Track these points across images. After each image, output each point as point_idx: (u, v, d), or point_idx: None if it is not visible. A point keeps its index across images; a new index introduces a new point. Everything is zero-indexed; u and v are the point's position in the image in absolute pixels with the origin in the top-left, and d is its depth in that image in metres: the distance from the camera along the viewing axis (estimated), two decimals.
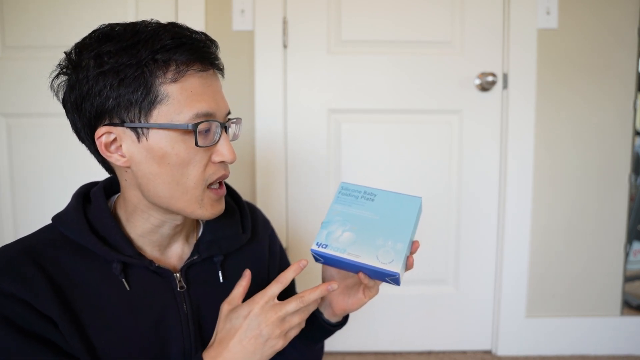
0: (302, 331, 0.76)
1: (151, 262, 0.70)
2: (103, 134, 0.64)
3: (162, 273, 0.71)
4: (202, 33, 0.67)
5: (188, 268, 0.75)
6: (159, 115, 0.63)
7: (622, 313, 1.69)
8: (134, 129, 0.63)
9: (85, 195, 0.73)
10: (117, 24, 0.64)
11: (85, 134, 0.67)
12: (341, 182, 0.77)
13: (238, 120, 0.74)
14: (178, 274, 0.73)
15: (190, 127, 0.63)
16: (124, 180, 0.69)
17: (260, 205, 1.62)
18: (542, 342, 1.69)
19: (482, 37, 1.59)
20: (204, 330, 0.75)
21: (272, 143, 1.61)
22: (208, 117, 0.65)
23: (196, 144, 0.64)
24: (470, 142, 1.64)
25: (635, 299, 1.83)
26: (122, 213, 0.72)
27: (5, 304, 0.60)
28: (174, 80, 0.62)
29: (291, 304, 0.68)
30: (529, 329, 1.68)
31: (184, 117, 0.63)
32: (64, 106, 0.67)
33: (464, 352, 1.72)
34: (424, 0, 1.59)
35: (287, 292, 0.84)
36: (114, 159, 0.66)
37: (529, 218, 1.64)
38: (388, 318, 1.71)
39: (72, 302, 0.64)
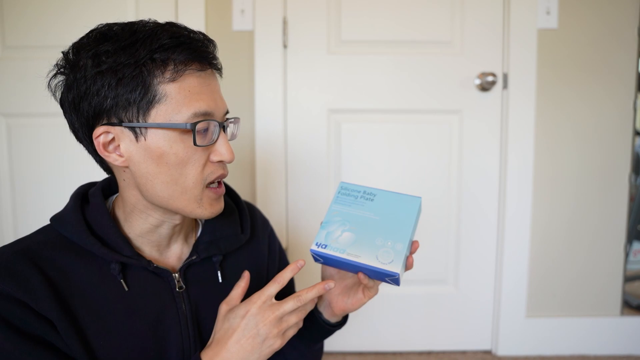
0: (302, 331, 0.76)
1: (150, 262, 0.70)
2: (101, 134, 0.64)
3: (160, 273, 0.71)
4: (201, 33, 0.67)
5: (187, 268, 0.75)
6: (157, 114, 0.62)
7: (622, 313, 1.69)
8: (132, 129, 0.63)
9: (84, 195, 0.73)
10: (115, 24, 0.64)
11: (83, 133, 0.66)
12: (340, 182, 0.77)
13: (236, 120, 0.74)
14: (177, 274, 0.73)
15: (188, 127, 0.63)
16: (122, 180, 0.69)
17: (260, 205, 1.62)
18: (542, 342, 1.69)
19: (482, 37, 1.59)
20: (202, 330, 0.75)
21: (272, 143, 1.61)
22: (206, 116, 0.65)
23: (195, 144, 0.64)
24: (470, 142, 1.63)
25: (635, 299, 1.83)
26: (120, 213, 0.72)
27: (3, 305, 0.60)
28: (172, 80, 0.62)
29: (288, 303, 0.68)
30: (529, 329, 1.68)
31: (182, 116, 0.63)
32: (62, 106, 0.67)
33: (464, 352, 1.72)
34: (424, 0, 1.59)
35: (287, 292, 0.84)
36: (112, 158, 0.66)
37: (529, 218, 1.64)
38: (388, 318, 1.71)
39: (70, 303, 0.64)
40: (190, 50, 0.63)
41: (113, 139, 0.65)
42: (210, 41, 0.68)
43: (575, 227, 1.66)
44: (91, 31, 0.64)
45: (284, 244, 1.63)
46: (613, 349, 1.68)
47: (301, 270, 0.72)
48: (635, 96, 1.61)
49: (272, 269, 0.89)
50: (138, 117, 0.63)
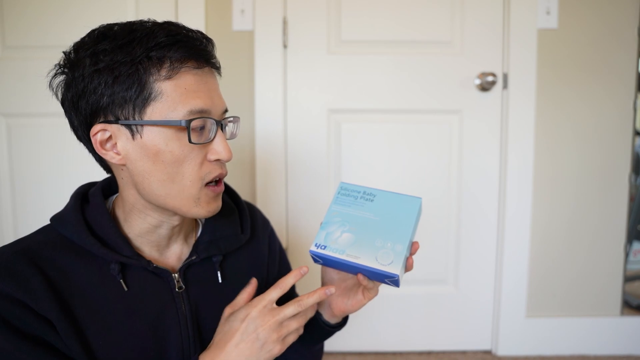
0: (302, 333, 0.76)
1: (149, 262, 0.70)
2: (98, 132, 0.64)
3: (160, 273, 0.71)
4: (198, 31, 0.67)
5: (187, 268, 0.75)
6: (153, 112, 0.63)
7: (622, 313, 1.69)
8: (129, 127, 0.63)
9: (84, 195, 0.73)
10: (116, 24, 0.64)
11: (82, 132, 0.67)
12: (340, 183, 0.76)
13: (236, 119, 0.74)
14: (176, 275, 0.73)
15: (183, 124, 0.63)
16: (121, 178, 0.69)
17: (260, 205, 1.62)
18: (542, 342, 1.68)
19: (482, 37, 1.59)
20: (202, 330, 0.75)
21: (272, 143, 1.61)
22: (202, 114, 0.64)
23: (189, 141, 0.63)
24: (470, 142, 1.63)
25: (635, 299, 1.83)
26: (120, 213, 0.72)
27: (3, 305, 0.60)
28: (168, 78, 0.62)
29: (289, 308, 0.68)
30: (529, 329, 1.68)
31: (178, 114, 0.63)
32: (62, 105, 0.67)
33: (464, 352, 1.72)
34: (424, 0, 1.58)
35: (287, 296, 0.83)
36: (109, 156, 0.66)
37: (529, 218, 1.64)
38: (388, 318, 1.71)
39: (69, 303, 0.64)
40: (187, 48, 0.63)
41: (110, 137, 0.65)
42: (208, 40, 0.68)
43: (575, 227, 1.66)
44: (92, 31, 0.65)
45: (284, 244, 1.63)
46: (613, 349, 1.68)
47: (302, 276, 0.72)
48: (635, 96, 1.61)
49: (272, 269, 0.89)
50: (134, 115, 0.63)
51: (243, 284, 0.79)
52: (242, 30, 1.59)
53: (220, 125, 0.68)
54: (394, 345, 1.72)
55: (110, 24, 0.65)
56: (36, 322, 0.61)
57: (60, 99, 0.67)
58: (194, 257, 0.75)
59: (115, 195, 0.76)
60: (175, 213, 0.69)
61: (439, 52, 1.60)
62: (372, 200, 0.73)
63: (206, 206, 0.69)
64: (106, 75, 0.61)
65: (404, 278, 0.70)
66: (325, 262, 0.72)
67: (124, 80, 0.61)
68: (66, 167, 1.61)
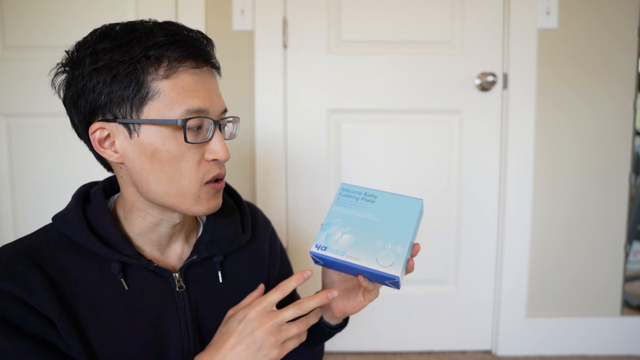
0: None
1: (150, 261, 0.70)
2: (96, 130, 0.65)
3: (161, 273, 0.71)
4: (198, 31, 0.67)
5: (187, 268, 0.75)
6: (150, 111, 0.63)
7: (622, 313, 1.69)
8: (126, 125, 0.64)
9: (85, 195, 0.73)
10: (118, 24, 0.65)
11: (82, 130, 0.67)
12: (342, 183, 0.76)
13: (235, 119, 0.73)
14: (177, 274, 0.73)
15: (179, 123, 0.63)
16: (120, 176, 0.70)
17: (260, 205, 1.61)
18: (542, 342, 1.69)
19: (482, 37, 1.59)
20: (202, 330, 0.75)
21: (272, 143, 1.61)
22: (200, 113, 0.64)
23: (185, 140, 0.63)
24: (470, 142, 1.63)
25: (635, 299, 1.83)
26: (121, 212, 0.72)
27: (3, 304, 0.60)
28: (166, 77, 0.63)
29: (288, 311, 0.67)
30: (529, 329, 1.68)
31: (175, 113, 0.63)
32: (64, 103, 0.68)
33: (464, 352, 1.72)
34: (424, 0, 1.58)
35: (289, 299, 0.83)
36: (107, 154, 0.66)
37: (529, 218, 1.64)
38: (388, 318, 1.71)
39: (70, 302, 0.64)
40: (185, 47, 0.63)
41: (108, 135, 0.65)
42: (207, 39, 0.68)
43: (575, 227, 1.66)
44: (95, 30, 0.65)
45: (284, 244, 1.62)
46: (613, 349, 1.68)
47: (306, 280, 0.71)
48: (635, 96, 1.61)
49: (273, 269, 0.88)
50: (132, 114, 0.63)
51: (244, 284, 0.79)
52: (242, 30, 1.59)
53: (219, 125, 0.68)
54: (394, 345, 1.72)
55: (112, 23, 0.65)
56: (37, 321, 0.61)
57: (61, 97, 0.68)
58: (194, 257, 0.75)
59: (116, 195, 0.76)
60: (175, 211, 0.69)
61: (439, 52, 1.60)
62: (373, 202, 0.72)
63: (206, 203, 0.68)
64: (105, 74, 0.61)
65: (404, 277, 0.70)
66: (326, 263, 0.72)
67: (122, 79, 0.62)
68: (66, 167, 1.60)
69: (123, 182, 0.70)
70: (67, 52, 0.66)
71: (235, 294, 0.76)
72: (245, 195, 1.61)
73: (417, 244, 0.71)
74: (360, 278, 0.71)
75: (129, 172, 0.67)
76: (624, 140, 1.63)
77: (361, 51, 1.60)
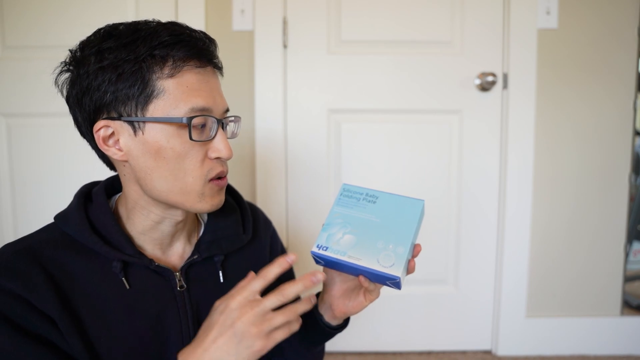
0: (303, 334, 0.76)
1: (151, 261, 0.70)
2: (101, 128, 0.65)
3: (162, 272, 0.71)
4: (201, 32, 0.68)
5: (188, 267, 0.75)
6: (155, 109, 0.63)
7: (622, 313, 1.69)
8: (131, 123, 0.64)
9: (87, 194, 0.74)
10: (121, 23, 0.66)
11: (86, 128, 0.68)
12: (343, 184, 0.76)
13: (237, 119, 0.74)
14: (178, 273, 0.73)
15: (184, 121, 0.64)
16: (123, 175, 0.70)
17: (260, 205, 1.61)
18: (542, 342, 1.69)
19: (482, 37, 1.59)
20: None
21: (272, 143, 1.61)
22: (204, 112, 0.65)
23: (190, 138, 0.64)
24: (470, 142, 1.63)
25: (635, 299, 1.83)
26: (122, 211, 0.73)
27: (4, 302, 0.60)
28: (171, 76, 0.63)
29: (270, 299, 0.62)
30: (529, 329, 1.68)
31: (180, 111, 0.64)
32: (67, 102, 0.68)
33: (464, 352, 1.72)
34: (424, 0, 1.59)
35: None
36: (111, 152, 0.67)
37: (529, 218, 1.64)
38: (388, 318, 1.71)
39: (71, 301, 0.64)
40: (190, 47, 0.64)
41: (113, 133, 0.66)
42: (211, 40, 0.69)
43: (575, 227, 1.66)
44: (98, 30, 0.66)
45: (284, 244, 1.62)
46: (613, 349, 1.68)
47: (290, 265, 0.66)
48: (635, 96, 1.61)
49: None
50: (137, 112, 0.64)
51: None
52: (242, 30, 1.59)
53: (222, 123, 0.69)
54: (394, 345, 1.72)
55: (115, 23, 0.66)
56: (38, 320, 0.61)
57: (65, 95, 0.68)
58: (195, 257, 0.75)
59: (118, 195, 0.76)
60: (178, 208, 0.70)
61: (439, 52, 1.60)
62: (374, 202, 0.73)
63: (210, 200, 0.69)
64: (110, 73, 0.62)
65: (405, 279, 0.70)
66: (327, 263, 0.72)
67: (128, 78, 0.62)
68: (66, 167, 1.60)
69: (126, 180, 0.70)
70: (71, 51, 0.66)
71: None
72: (245, 195, 1.61)
73: (418, 245, 0.71)
74: (361, 278, 0.71)
75: (133, 170, 0.67)
76: (624, 140, 1.63)
77: (361, 51, 1.60)
